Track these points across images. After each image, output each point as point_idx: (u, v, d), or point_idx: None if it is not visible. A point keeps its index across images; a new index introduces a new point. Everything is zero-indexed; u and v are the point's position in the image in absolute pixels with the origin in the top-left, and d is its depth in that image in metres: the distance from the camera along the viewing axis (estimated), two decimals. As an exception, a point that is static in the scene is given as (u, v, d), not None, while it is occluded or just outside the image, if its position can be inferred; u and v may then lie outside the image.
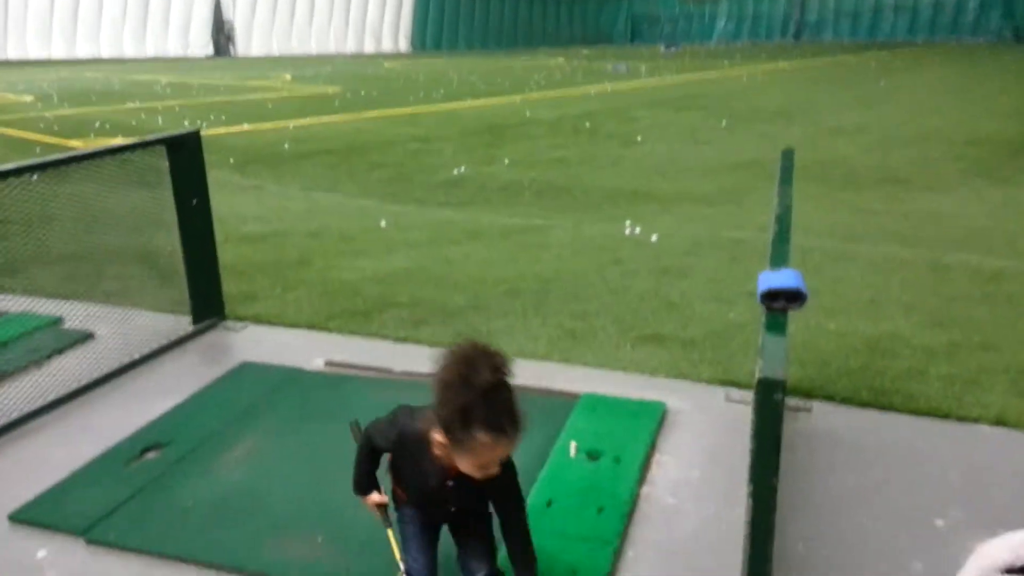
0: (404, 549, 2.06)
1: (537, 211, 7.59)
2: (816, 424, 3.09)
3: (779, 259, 2.03)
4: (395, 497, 2.12)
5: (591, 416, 3.10)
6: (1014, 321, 4.08)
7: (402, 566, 2.06)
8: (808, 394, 3.34)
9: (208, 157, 4.16)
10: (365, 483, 2.14)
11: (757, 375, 1.57)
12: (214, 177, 4.32)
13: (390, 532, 2.14)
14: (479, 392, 1.65)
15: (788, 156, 3.34)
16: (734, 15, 51.40)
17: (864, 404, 3.24)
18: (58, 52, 38.86)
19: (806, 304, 1.92)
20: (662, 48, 42.71)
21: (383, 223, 6.78)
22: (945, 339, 3.87)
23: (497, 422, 1.68)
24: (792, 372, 3.50)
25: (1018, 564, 0.62)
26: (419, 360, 3.75)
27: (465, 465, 1.76)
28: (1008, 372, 3.46)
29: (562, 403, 3.22)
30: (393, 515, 2.16)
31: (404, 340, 4.03)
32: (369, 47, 47.17)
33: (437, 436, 1.75)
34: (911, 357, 3.67)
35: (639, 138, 12.08)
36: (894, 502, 2.60)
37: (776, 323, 1.72)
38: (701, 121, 13.75)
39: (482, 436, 1.67)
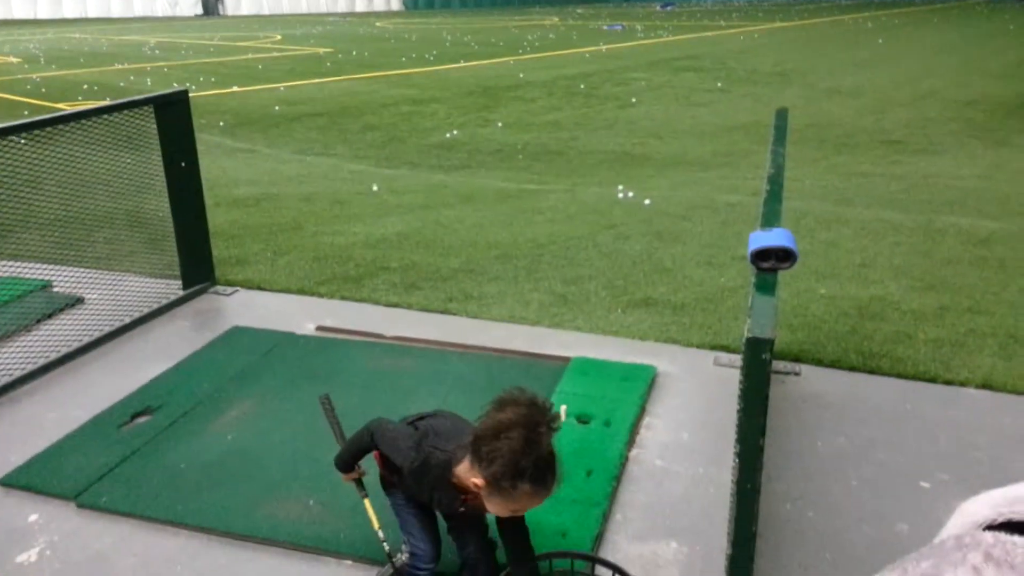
0: (406, 532, 2.07)
1: (531, 175, 7.54)
2: (805, 388, 3.11)
3: (771, 219, 2.02)
4: (385, 482, 2.12)
5: (581, 380, 3.11)
6: (1004, 284, 4.09)
7: (404, 549, 2.09)
8: (797, 358, 3.35)
9: (198, 120, 4.11)
10: (351, 465, 2.15)
11: (745, 335, 1.57)
12: (204, 140, 4.28)
13: (367, 502, 2.15)
14: (538, 456, 1.68)
15: (782, 116, 3.31)
16: (732, -27, 50.59)
17: (852, 368, 3.26)
18: (44, 12, 38.18)
19: (796, 264, 1.91)
20: (658, 7, 42.11)
21: (375, 187, 6.74)
22: (934, 303, 3.88)
23: (545, 479, 1.72)
24: (782, 336, 3.51)
25: (999, 520, 0.62)
26: (410, 325, 3.76)
27: (497, 508, 1.79)
28: (996, 335, 3.48)
29: (552, 367, 3.23)
30: (368, 486, 2.18)
31: (396, 305, 4.03)
32: (361, 6, 46.42)
33: (473, 479, 1.76)
34: (900, 321, 3.68)
35: (634, 100, 11.97)
36: (881, 464, 2.63)
37: (765, 283, 1.71)
38: (697, 83, 13.61)
39: (528, 490, 1.71)
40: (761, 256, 1.74)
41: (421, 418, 2.05)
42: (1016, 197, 6.02)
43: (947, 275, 4.26)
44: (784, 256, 1.73)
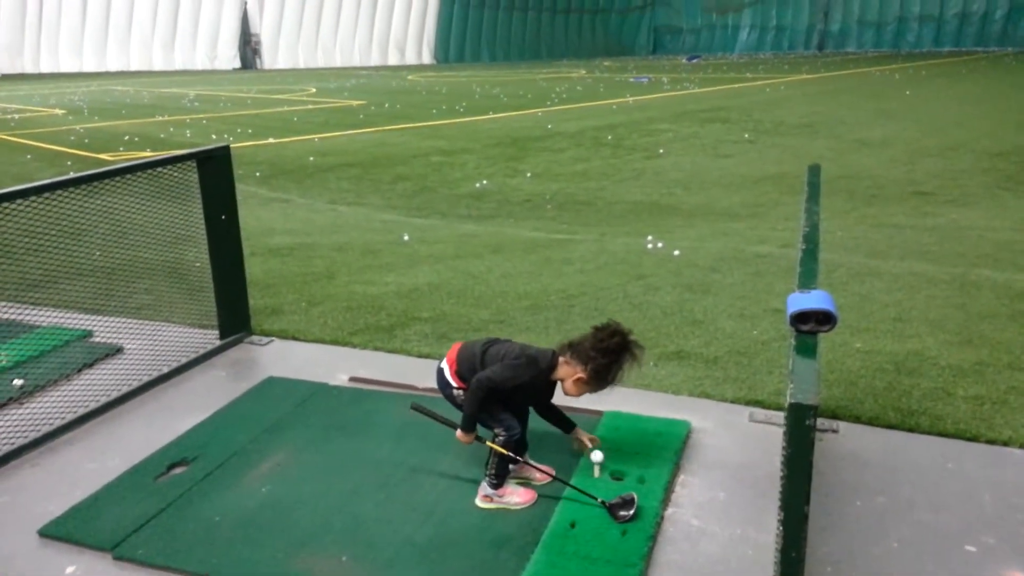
0: (495, 419, 2.72)
1: (559, 224, 7.60)
2: (843, 445, 3.06)
3: (808, 279, 2.02)
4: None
5: (615, 434, 3.09)
6: (1044, 340, 4.01)
7: (498, 431, 2.73)
8: (835, 415, 3.31)
9: (235, 170, 4.22)
10: (474, 424, 2.74)
11: (788, 400, 1.56)
12: (241, 190, 4.38)
13: (489, 443, 2.74)
14: (624, 365, 2.69)
15: (815, 172, 3.32)
16: (757, 26, 51.29)
17: (891, 425, 3.21)
18: (89, 65, 39.62)
19: (837, 326, 1.91)
20: (684, 59, 42.65)
21: (406, 236, 6.83)
22: (973, 358, 3.82)
23: (620, 378, 2.71)
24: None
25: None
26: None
27: (578, 391, 2.74)
28: (1039, 393, 3.41)
29: (585, 420, 3.21)
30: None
31: (427, 356, 4.05)
32: (393, 59, 47.60)
33: (577, 375, 2.68)
34: (938, 377, 3.62)
35: (661, 151, 12.07)
36: (923, 526, 2.57)
37: (806, 346, 1.71)
38: (724, 134, 13.70)
39: (612, 382, 2.71)
40: (800, 319, 1.74)
41: (489, 344, 2.83)
42: (1053, 250, 5.94)
43: (984, 330, 4.20)
44: (824, 319, 1.73)
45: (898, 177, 9.43)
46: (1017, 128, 13.00)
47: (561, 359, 2.73)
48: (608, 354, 2.62)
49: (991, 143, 11.56)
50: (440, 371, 2.88)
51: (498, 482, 2.74)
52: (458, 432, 2.77)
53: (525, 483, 2.83)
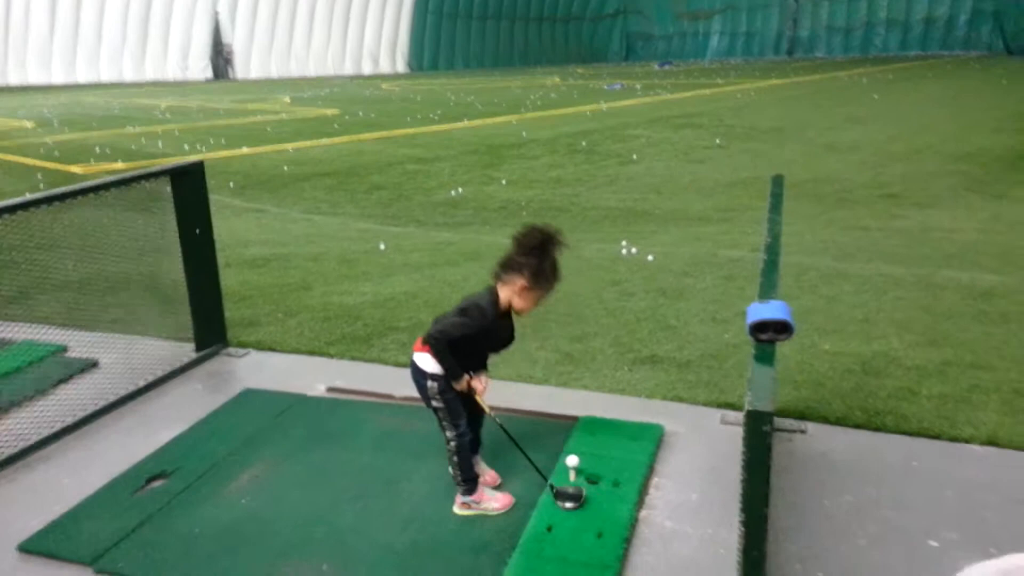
0: (454, 420, 2.74)
1: (535, 232, 7.66)
2: (811, 446, 3.14)
3: (768, 289, 2.09)
4: (437, 388, 2.72)
5: (590, 439, 3.15)
6: (1006, 339, 4.14)
7: (450, 435, 2.76)
8: (803, 415, 3.39)
9: (208, 181, 4.23)
10: (459, 371, 2.71)
11: (746, 407, 1.63)
12: (214, 201, 4.38)
13: (478, 398, 2.80)
14: (557, 257, 2.66)
15: (778, 183, 3.41)
16: (727, 32, 51.91)
17: (858, 425, 3.29)
18: (58, 77, 39.14)
19: (793, 335, 1.98)
20: (656, 66, 43.04)
21: (382, 246, 6.85)
22: (937, 358, 3.93)
23: (558, 268, 2.69)
24: (787, 393, 3.55)
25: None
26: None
27: (531, 302, 2.71)
28: (1000, 391, 3.52)
29: (561, 426, 3.27)
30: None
31: (404, 365, 4.07)
32: (367, 68, 47.53)
33: (519, 284, 2.64)
34: (903, 377, 3.72)
35: (635, 156, 12.20)
36: (888, 523, 2.65)
37: (764, 354, 1.78)
38: (696, 139, 13.87)
39: (554, 275, 2.67)
40: (759, 328, 1.81)
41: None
42: (1015, 250, 6.10)
43: (949, 330, 4.31)
44: (781, 328, 1.80)
45: (866, 180, 9.61)
46: (982, 130, 13.30)
47: (499, 285, 2.71)
48: (536, 251, 2.62)
49: (957, 145, 11.81)
50: (413, 364, 2.76)
51: (469, 488, 2.77)
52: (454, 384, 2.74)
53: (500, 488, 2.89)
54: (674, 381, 3.78)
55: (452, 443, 2.75)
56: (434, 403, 2.75)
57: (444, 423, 2.76)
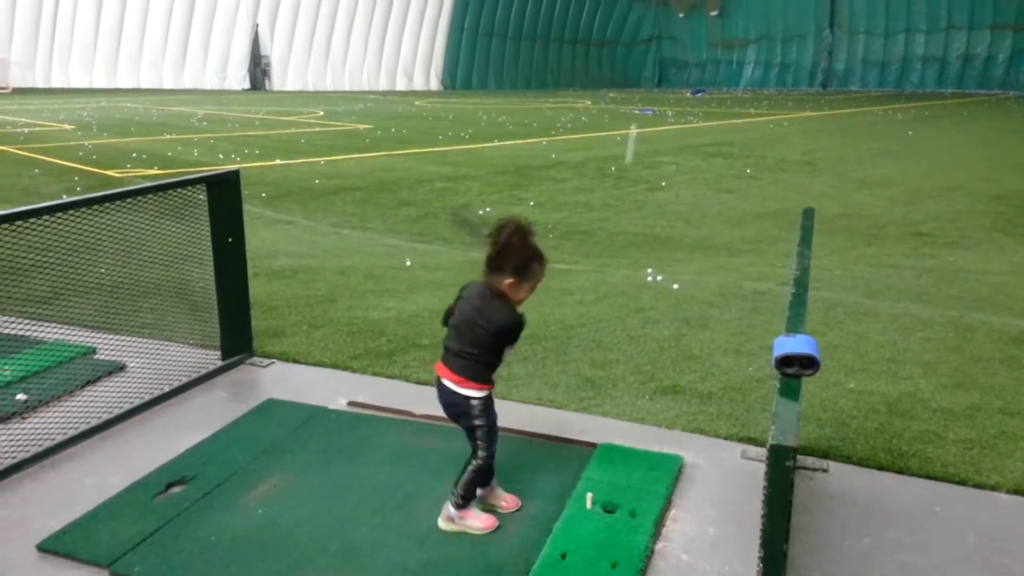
0: (491, 440, 2.77)
1: (561, 254, 7.67)
2: (832, 485, 3.10)
3: (795, 323, 2.08)
4: (484, 403, 2.77)
5: (608, 467, 3.13)
6: (1036, 386, 4.06)
7: (482, 454, 2.78)
8: (826, 454, 3.35)
9: (241, 191, 4.30)
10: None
11: (769, 441, 1.62)
12: (246, 210, 4.44)
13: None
14: (534, 245, 2.68)
15: (808, 215, 3.40)
16: (761, 62, 51.85)
17: (881, 466, 3.25)
18: (99, 81, 40.02)
19: (821, 366, 1.96)
20: (688, 93, 43.07)
21: (408, 262, 6.90)
22: (965, 402, 3.87)
23: (544, 255, 2.72)
24: (810, 431, 3.52)
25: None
26: (439, 403, 3.81)
27: (522, 293, 2.71)
28: (1028, 438, 3.45)
29: (579, 452, 3.26)
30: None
31: (426, 383, 4.10)
32: (401, 84, 48.09)
33: (505, 281, 2.65)
34: (930, 419, 3.67)
35: (664, 183, 12.19)
36: (907, 566, 2.61)
37: (790, 389, 1.77)
38: (726, 168, 13.85)
39: (540, 266, 2.70)
40: (785, 362, 1.80)
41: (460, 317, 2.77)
42: (1048, 295, 6.01)
43: (977, 374, 4.25)
44: (808, 363, 1.79)
45: (898, 217, 9.53)
46: (1016, 171, 13.14)
47: (495, 284, 2.68)
48: (515, 250, 2.62)
49: (990, 186, 11.68)
50: (449, 391, 2.74)
51: (463, 503, 2.77)
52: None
53: (491, 509, 2.86)
54: (695, 412, 3.76)
55: (481, 462, 2.76)
56: (476, 422, 2.74)
57: (481, 442, 2.76)
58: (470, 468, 2.77)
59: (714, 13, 52.24)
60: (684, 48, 54.96)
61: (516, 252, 2.63)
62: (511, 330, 2.70)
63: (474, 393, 2.73)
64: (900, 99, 37.09)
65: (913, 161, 14.76)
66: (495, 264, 2.66)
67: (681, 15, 54.01)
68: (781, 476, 1.45)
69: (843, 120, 25.17)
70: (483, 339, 2.69)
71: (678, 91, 47.41)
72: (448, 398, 2.78)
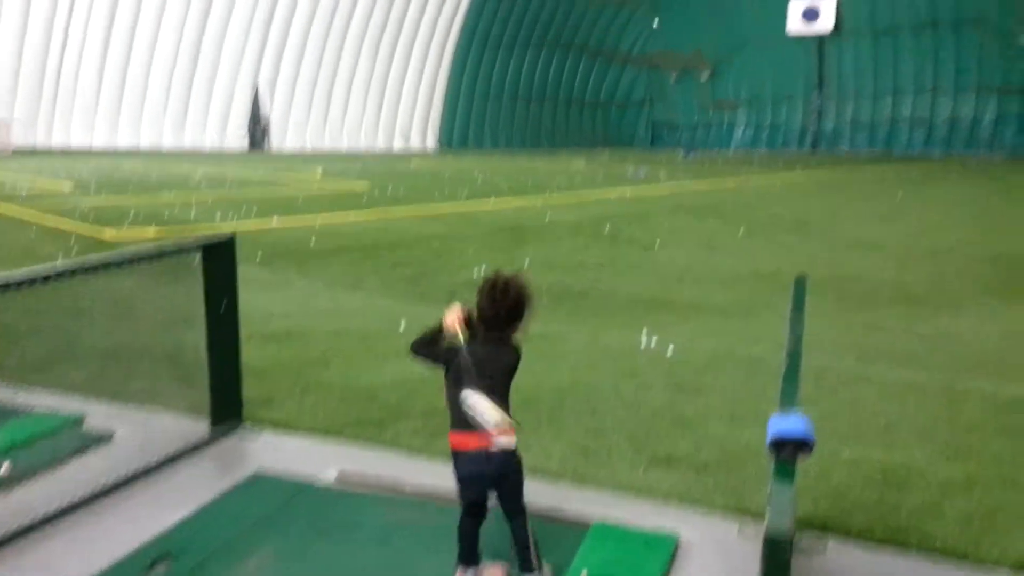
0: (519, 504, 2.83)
1: (555, 316, 7.67)
2: (830, 565, 3.04)
3: (788, 400, 2.07)
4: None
5: (602, 547, 3.07)
6: (1033, 456, 4.03)
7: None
8: (823, 527, 3.30)
9: (237, 252, 4.30)
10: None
11: (765, 530, 1.59)
12: (241, 271, 4.43)
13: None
14: (526, 289, 2.81)
15: (800, 284, 3.42)
16: (752, 123, 52.76)
17: (879, 541, 3.20)
18: (99, 141, 40.48)
19: (814, 451, 1.95)
20: (681, 154, 43.75)
21: (403, 324, 6.89)
22: (961, 473, 3.83)
23: (525, 299, 2.82)
24: (806, 505, 3.47)
25: None
26: (432, 475, 3.76)
27: (523, 331, 2.82)
28: (1027, 512, 3.41)
29: (572, 531, 3.20)
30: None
31: (418, 452, 4.06)
32: (398, 144, 48.76)
33: (518, 331, 2.81)
34: (926, 491, 3.63)
35: (658, 244, 12.28)
36: (910, 652, 2.55)
37: (785, 471, 1.75)
38: (719, 229, 13.97)
39: (530, 311, 2.82)
40: (779, 444, 1.79)
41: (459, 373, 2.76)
42: (1041, 361, 6.01)
43: (973, 442, 4.22)
44: (802, 445, 1.78)
45: (889, 279, 9.59)
46: (1005, 234, 13.29)
47: (506, 338, 2.80)
48: (520, 303, 2.77)
49: (980, 248, 11.79)
50: (494, 457, 2.70)
51: (540, 563, 2.82)
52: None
53: None
54: (690, 484, 3.71)
55: (528, 519, 2.80)
56: (518, 476, 2.78)
57: (521, 495, 2.79)
58: (528, 529, 2.80)
59: (704, 76, 53.42)
60: (676, 110, 56.00)
61: (520, 305, 2.77)
62: (505, 357, 2.81)
63: (511, 443, 2.74)
64: (889, 160, 37.70)
65: (903, 223, 14.93)
66: (508, 321, 2.76)
67: (673, 78, 55.21)
68: (778, 571, 1.43)
69: (834, 181, 25.53)
70: (507, 385, 2.76)
71: (671, 151, 48.18)
72: (498, 464, 2.70)
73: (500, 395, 2.71)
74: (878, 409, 4.73)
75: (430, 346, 2.83)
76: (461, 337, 2.78)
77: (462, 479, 2.77)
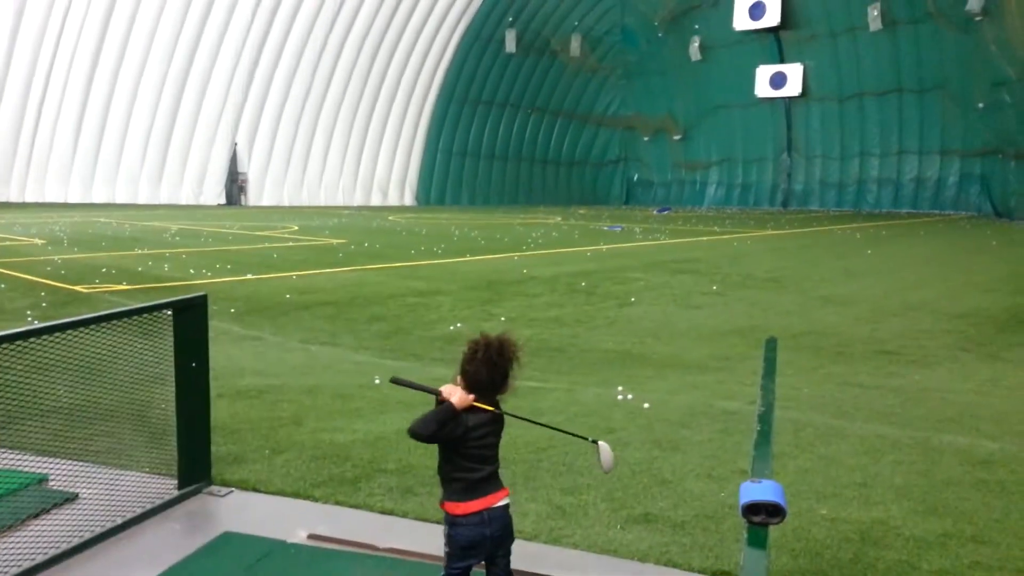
0: None
1: (531, 371, 7.64)
2: (809, 623, 3.01)
3: (761, 465, 2.07)
4: None
5: (578, 606, 3.01)
6: (1007, 511, 4.05)
7: None
8: (801, 586, 3.27)
9: (210, 307, 4.27)
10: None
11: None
12: (214, 327, 4.41)
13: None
14: (513, 348, 2.88)
15: (771, 347, 3.45)
16: (724, 182, 53.82)
17: (858, 600, 3.17)
18: (74, 196, 40.34)
19: (787, 518, 1.94)
20: (655, 211, 44.43)
21: (377, 380, 6.82)
22: (937, 529, 3.83)
23: (512, 358, 2.91)
24: (784, 563, 3.44)
25: None
26: (404, 535, 3.69)
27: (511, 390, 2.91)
28: (1003, 570, 3.41)
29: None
30: None
31: (391, 512, 3.98)
32: (376, 200, 49.08)
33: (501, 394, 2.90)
34: (903, 548, 3.62)
35: (633, 299, 12.36)
36: None
37: (757, 537, 1.74)
38: (694, 284, 14.11)
39: (516, 371, 2.88)
40: (752, 510, 1.78)
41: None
42: (1014, 415, 6.07)
43: (948, 498, 4.23)
44: (774, 511, 1.77)
45: (863, 335, 9.69)
46: (975, 290, 13.55)
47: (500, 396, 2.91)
48: (508, 363, 2.86)
49: (951, 304, 11.99)
50: (503, 516, 2.83)
51: None
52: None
53: None
54: (668, 543, 3.67)
55: None
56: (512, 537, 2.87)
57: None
58: None
59: (677, 137, 54.64)
60: (650, 168, 57.05)
61: (507, 365, 2.85)
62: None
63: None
64: (858, 218, 38.52)
65: (874, 279, 15.18)
66: (501, 383, 2.87)
67: (646, 138, 56.40)
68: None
69: (804, 238, 25.99)
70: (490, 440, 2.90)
71: (645, 208, 48.90)
72: (508, 520, 2.84)
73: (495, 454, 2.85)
74: (854, 465, 4.73)
75: (446, 426, 2.79)
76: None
77: (464, 547, 2.74)
